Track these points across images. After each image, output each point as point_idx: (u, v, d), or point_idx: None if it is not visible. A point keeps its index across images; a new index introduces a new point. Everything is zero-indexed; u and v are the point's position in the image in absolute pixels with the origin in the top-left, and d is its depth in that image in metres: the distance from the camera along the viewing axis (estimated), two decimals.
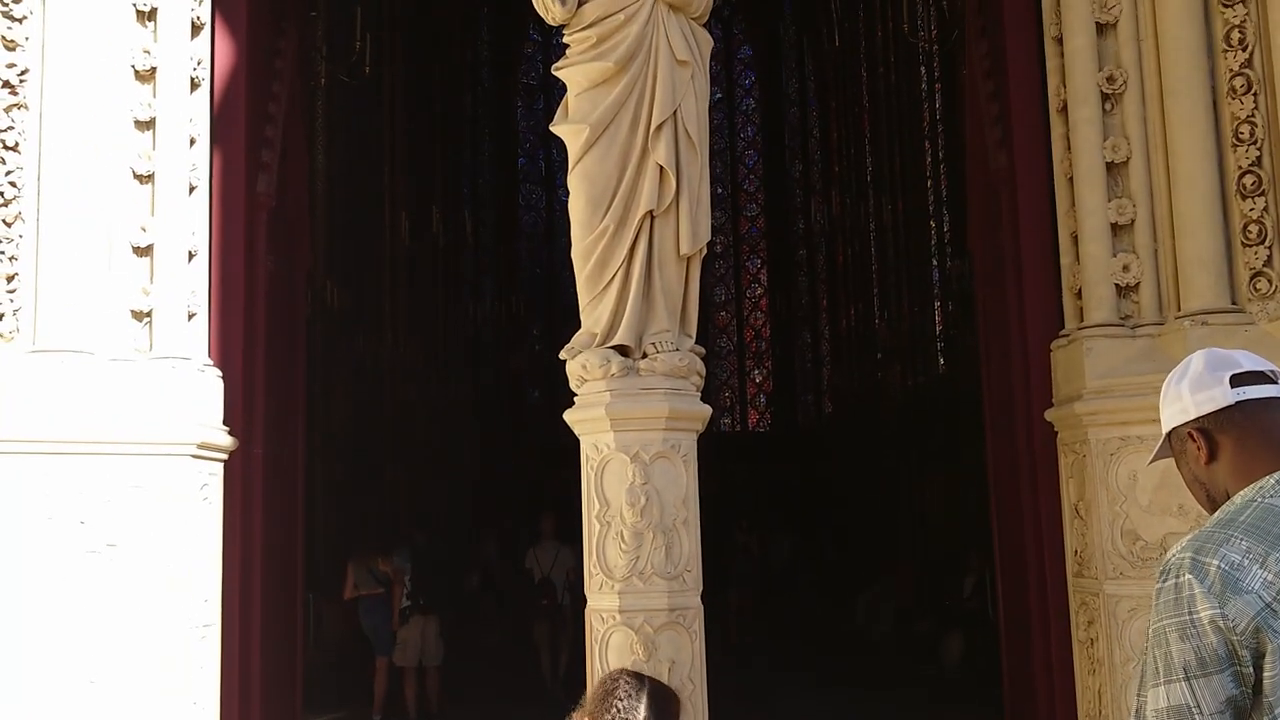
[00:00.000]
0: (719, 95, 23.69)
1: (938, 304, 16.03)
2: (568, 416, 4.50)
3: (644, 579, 4.25)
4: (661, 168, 4.40)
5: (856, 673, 11.86)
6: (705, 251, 4.61)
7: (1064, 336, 5.23)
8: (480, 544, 15.34)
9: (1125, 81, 5.08)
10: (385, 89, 15.52)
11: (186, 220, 4.97)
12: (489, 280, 21.14)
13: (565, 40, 4.62)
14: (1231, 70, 4.89)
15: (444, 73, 18.27)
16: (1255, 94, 4.84)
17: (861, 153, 19.15)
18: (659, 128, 4.40)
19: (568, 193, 4.64)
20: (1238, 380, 1.92)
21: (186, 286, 4.94)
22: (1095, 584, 4.89)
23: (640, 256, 4.43)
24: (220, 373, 5.17)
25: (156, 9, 4.99)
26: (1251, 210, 4.81)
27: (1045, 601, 5.67)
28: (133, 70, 4.95)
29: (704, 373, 4.55)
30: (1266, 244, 4.79)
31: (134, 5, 4.96)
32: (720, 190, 23.23)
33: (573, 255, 4.54)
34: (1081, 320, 5.07)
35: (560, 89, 4.72)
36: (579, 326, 4.54)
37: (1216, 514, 1.88)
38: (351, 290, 13.83)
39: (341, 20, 12.28)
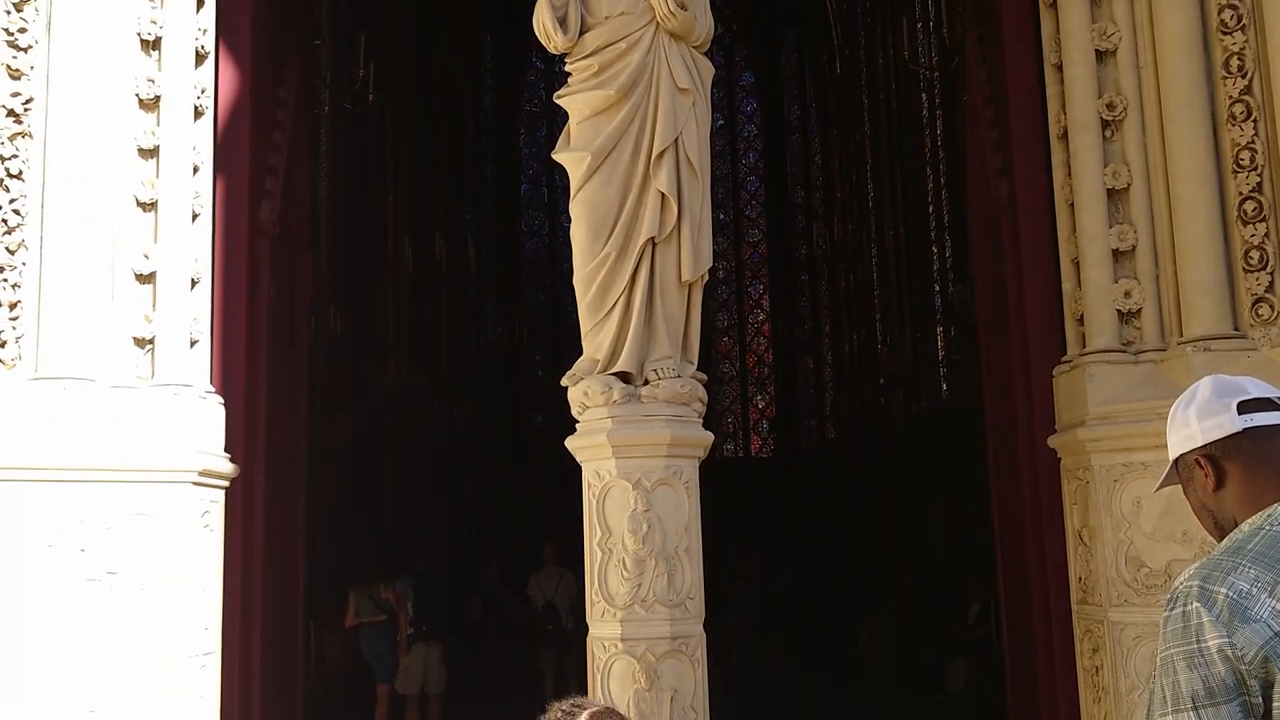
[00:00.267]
0: (721, 122, 23.74)
1: (940, 329, 16.00)
2: (569, 443, 4.49)
3: (646, 607, 4.23)
4: (663, 195, 4.41)
5: (859, 700, 11.78)
6: (707, 278, 4.62)
7: (1066, 362, 5.22)
8: (482, 570, 15.28)
9: (1125, 108, 5.09)
10: (388, 116, 15.61)
11: (189, 248, 4.99)
12: (491, 306, 21.14)
13: (567, 68, 4.64)
14: (1231, 97, 4.90)
15: (447, 100, 18.35)
16: (1255, 120, 4.85)
17: (863, 179, 19.19)
18: (660, 155, 4.42)
19: (570, 219, 4.65)
20: (1245, 407, 1.90)
21: (189, 314, 4.95)
22: (1100, 611, 4.87)
23: (642, 283, 4.43)
24: (222, 400, 5.17)
25: (161, 38, 5.03)
26: (1253, 236, 4.81)
27: (1050, 628, 5.63)
28: (137, 99, 4.98)
29: (706, 399, 4.55)
30: (1268, 270, 4.79)
31: (138, 34, 4.99)
32: (722, 216, 23.21)
33: (574, 282, 4.55)
34: (1084, 346, 5.07)
35: (562, 116, 4.74)
36: (581, 353, 4.54)
37: (1224, 542, 1.86)
38: (354, 316, 13.85)
39: (345, 48, 12.36)
